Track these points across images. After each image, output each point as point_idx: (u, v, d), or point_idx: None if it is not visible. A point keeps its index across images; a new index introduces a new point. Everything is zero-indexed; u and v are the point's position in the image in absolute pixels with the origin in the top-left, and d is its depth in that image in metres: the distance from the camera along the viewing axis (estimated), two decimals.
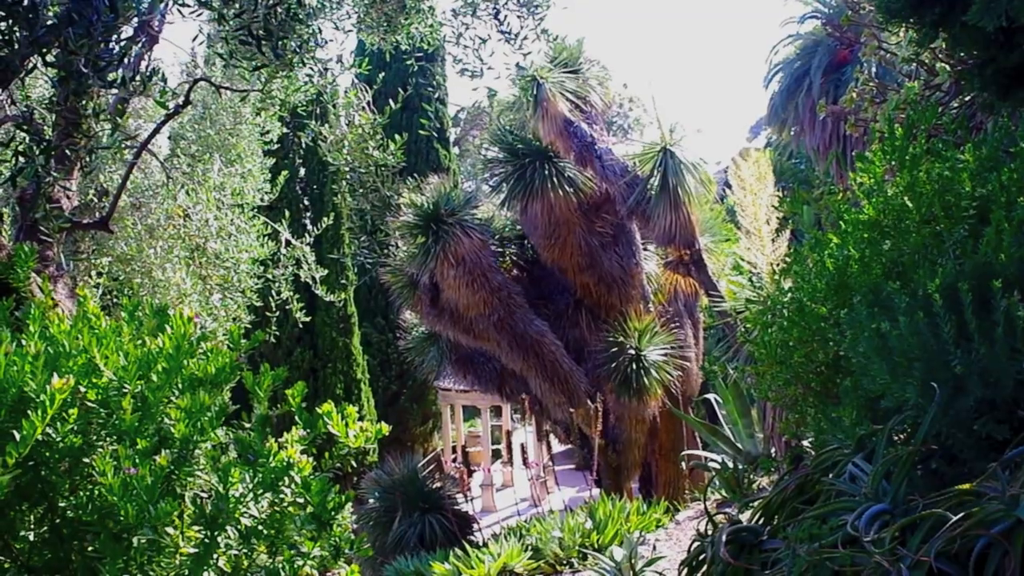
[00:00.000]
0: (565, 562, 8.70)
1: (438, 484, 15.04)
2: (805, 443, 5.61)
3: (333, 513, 2.99)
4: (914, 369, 3.41)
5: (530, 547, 8.92)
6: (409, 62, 7.80)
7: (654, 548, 7.98)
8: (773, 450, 10.16)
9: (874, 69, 13.69)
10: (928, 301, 3.42)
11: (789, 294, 4.75)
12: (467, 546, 9.30)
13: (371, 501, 14.89)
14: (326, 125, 8.20)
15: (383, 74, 9.53)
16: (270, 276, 9.63)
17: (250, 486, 2.90)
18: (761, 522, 4.13)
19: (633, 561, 7.17)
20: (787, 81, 21.48)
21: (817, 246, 4.57)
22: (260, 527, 2.91)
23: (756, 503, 4.54)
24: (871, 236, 4.17)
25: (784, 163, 26.57)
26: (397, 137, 7.95)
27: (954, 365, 3.30)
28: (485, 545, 9.57)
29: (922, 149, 4.18)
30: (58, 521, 2.88)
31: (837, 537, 3.12)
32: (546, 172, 13.69)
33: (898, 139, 4.27)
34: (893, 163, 4.27)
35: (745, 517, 4.51)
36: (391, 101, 7.89)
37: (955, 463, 3.40)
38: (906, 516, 3.00)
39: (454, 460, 22.17)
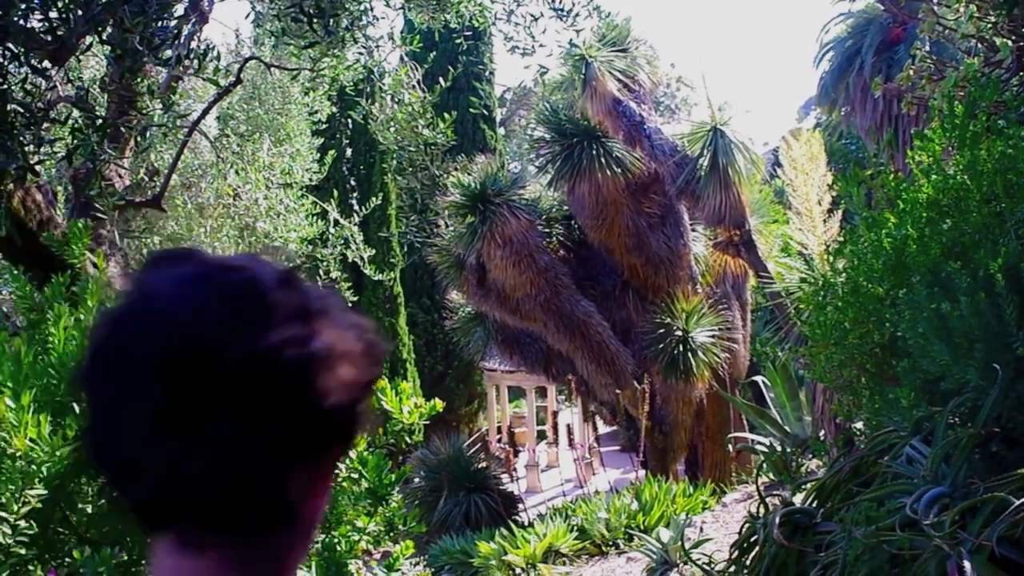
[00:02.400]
0: (611, 543, 8.70)
1: (483, 464, 15.09)
2: (857, 426, 5.54)
3: (388, 488, 2.99)
4: (975, 350, 3.34)
5: (576, 527, 8.93)
6: (458, 41, 7.76)
7: (701, 530, 7.95)
8: (822, 433, 10.05)
9: (928, 47, 13.41)
10: (990, 281, 3.35)
11: (844, 274, 4.67)
12: (512, 526, 9.32)
13: (417, 480, 14.98)
14: (376, 104, 8.20)
15: (433, 53, 9.51)
16: (318, 256, 9.69)
17: None
18: (815, 504, 4.09)
19: (680, 543, 7.14)
20: (838, 60, 21.09)
21: (874, 225, 4.48)
22: None
23: (809, 485, 4.49)
24: (930, 215, 4.08)
25: (834, 143, 26.16)
26: (447, 116, 7.94)
27: (1016, 347, 3.23)
28: (530, 525, 9.59)
29: (983, 127, 4.07)
30: (115, 494, 2.92)
31: (895, 520, 3.07)
32: (594, 152, 13.60)
33: (958, 116, 4.17)
34: (953, 141, 4.18)
35: (797, 499, 4.47)
36: (440, 80, 7.87)
37: (1016, 446, 3.33)
38: (966, 499, 2.95)
39: (499, 440, 22.21)
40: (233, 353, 0.87)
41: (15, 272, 3.47)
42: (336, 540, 2.96)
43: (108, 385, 0.91)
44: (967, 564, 2.66)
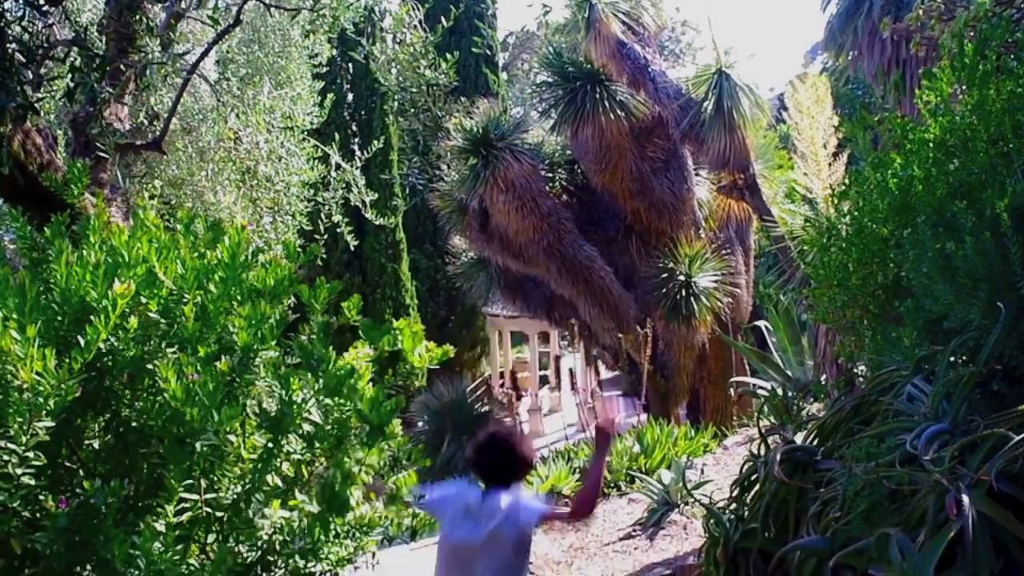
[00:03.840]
0: (613, 484, 8.79)
1: (487, 408, 15.18)
2: (859, 368, 5.56)
3: (386, 418, 3.02)
4: (979, 290, 3.34)
5: (578, 470, 9.01)
6: None
7: (702, 472, 8.01)
8: (823, 377, 10.08)
9: None
10: (995, 221, 3.34)
11: (848, 215, 4.66)
12: None
13: (420, 424, 15.10)
14: (377, 45, 8.10)
15: None
16: (320, 199, 9.65)
17: (312, 392, 2.94)
18: (815, 443, 4.12)
19: (681, 484, 7.21)
20: (845, 3, 20.80)
21: (880, 166, 4.46)
22: (321, 432, 2.95)
23: (810, 425, 4.52)
24: (936, 156, 4.05)
25: (841, 88, 25.91)
26: (448, 56, 7.84)
27: (1020, 286, 3.23)
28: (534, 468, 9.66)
29: (993, 66, 4.02)
30: (122, 429, 2.94)
31: (895, 456, 3.09)
32: (597, 95, 13.44)
33: (968, 56, 4.12)
34: (962, 81, 4.13)
35: (799, 439, 4.50)
36: (443, 19, 7.76)
37: (1016, 385, 3.35)
38: (966, 436, 2.96)
39: (502, 385, 22.35)
40: (512, 447, 3.79)
41: (14, 211, 3.45)
42: (334, 473, 2.99)
43: (492, 454, 3.76)
44: (965, 498, 2.68)
